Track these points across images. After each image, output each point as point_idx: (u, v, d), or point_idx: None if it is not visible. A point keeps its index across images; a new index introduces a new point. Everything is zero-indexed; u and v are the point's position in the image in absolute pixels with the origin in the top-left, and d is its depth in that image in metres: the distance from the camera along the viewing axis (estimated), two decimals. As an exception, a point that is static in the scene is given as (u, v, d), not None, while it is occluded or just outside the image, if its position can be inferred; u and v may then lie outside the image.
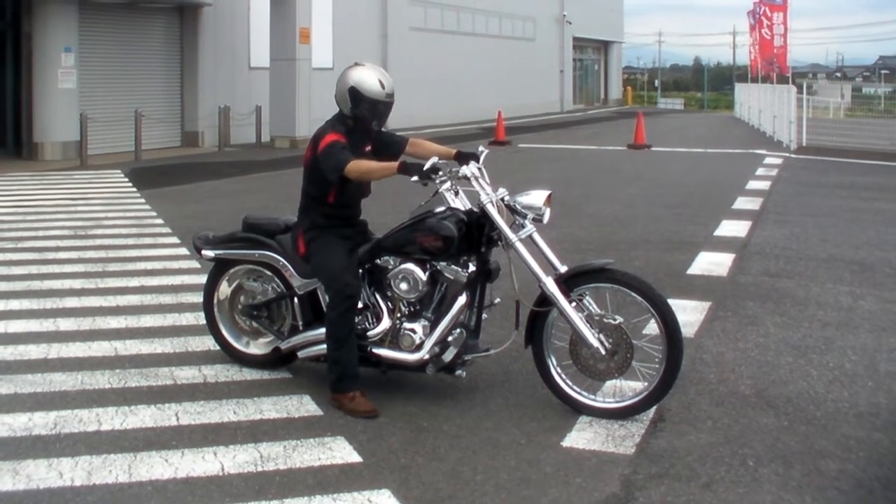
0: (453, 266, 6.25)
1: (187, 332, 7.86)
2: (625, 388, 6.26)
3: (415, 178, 6.08)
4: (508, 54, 45.93)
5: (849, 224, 14.20)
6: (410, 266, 6.28)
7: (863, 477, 5.31)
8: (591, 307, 6.14)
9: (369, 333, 6.41)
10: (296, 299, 6.71)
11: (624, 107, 63.94)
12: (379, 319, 6.43)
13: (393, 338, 6.37)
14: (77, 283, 9.63)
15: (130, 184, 18.29)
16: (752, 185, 19.06)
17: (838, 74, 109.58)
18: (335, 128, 6.47)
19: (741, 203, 16.29)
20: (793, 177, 20.75)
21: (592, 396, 6.20)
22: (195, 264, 10.50)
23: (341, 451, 5.51)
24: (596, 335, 6.02)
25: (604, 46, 66.78)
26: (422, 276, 6.26)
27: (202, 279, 9.69)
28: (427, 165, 6.12)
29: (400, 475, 5.21)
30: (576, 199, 16.28)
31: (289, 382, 6.72)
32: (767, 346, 7.69)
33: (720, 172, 21.68)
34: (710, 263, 10.91)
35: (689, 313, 8.46)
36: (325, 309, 6.44)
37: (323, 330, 6.36)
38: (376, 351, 6.39)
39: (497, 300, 6.66)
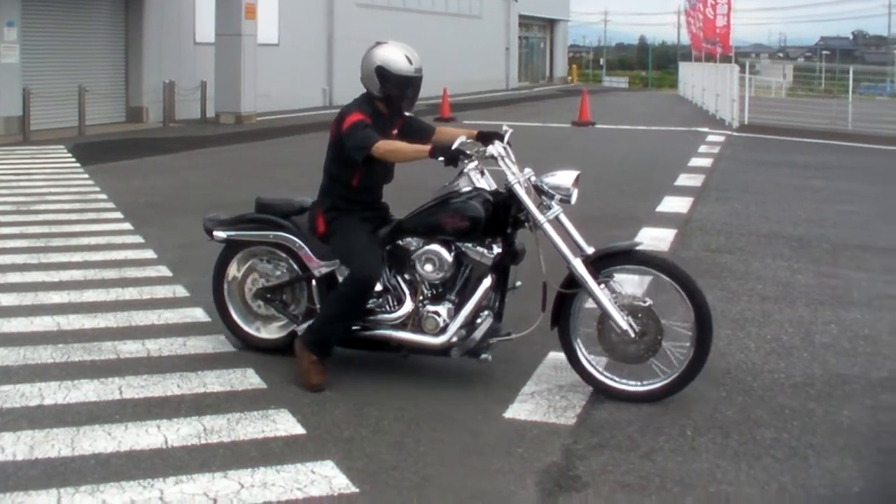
0: (479, 248, 6.14)
1: (131, 307, 7.84)
2: (653, 371, 6.09)
3: (441, 158, 5.98)
4: (454, 31, 45.89)
5: (789, 201, 14.41)
6: (436, 247, 6.18)
7: (797, 445, 5.43)
8: (619, 289, 6.07)
9: (390, 316, 6.29)
10: (313, 282, 6.57)
11: (569, 85, 64.08)
12: (400, 302, 6.30)
13: (415, 321, 6.26)
14: (19, 259, 9.55)
15: (74, 159, 18.13)
16: (695, 162, 19.23)
17: (781, 55, 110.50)
18: (361, 108, 6.32)
19: (683, 180, 16.44)
20: (735, 154, 20.96)
21: (620, 379, 6.10)
22: (139, 239, 10.49)
23: (285, 424, 5.54)
24: (625, 317, 5.94)
25: (550, 24, 66.87)
26: (448, 257, 6.15)
27: (146, 254, 9.72)
28: (455, 145, 6.03)
29: (344, 447, 5.25)
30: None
31: (233, 356, 6.73)
32: (707, 320, 7.79)
33: (663, 150, 21.86)
34: (653, 239, 11.01)
35: (631, 288, 8.53)
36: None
37: None
38: (397, 334, 6.27)
39: (518, 283, 6.55)
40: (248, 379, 6.28)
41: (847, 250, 10.84)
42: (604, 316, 5.99)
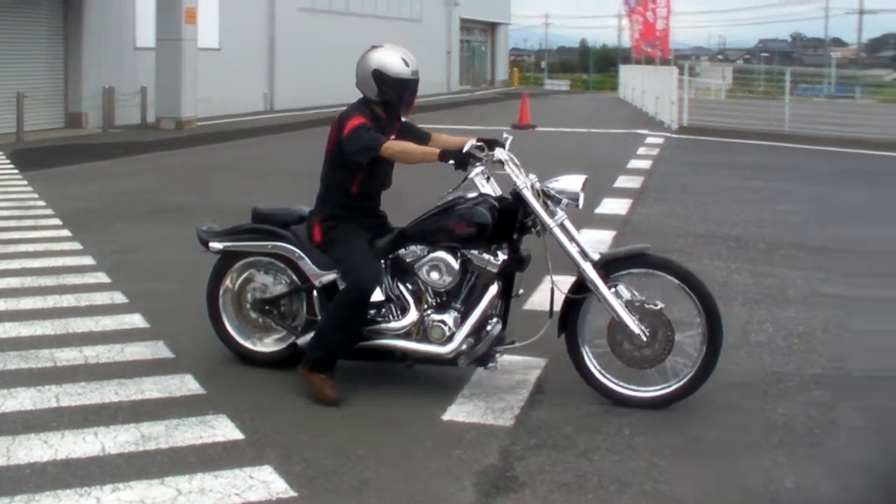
0: (485, 254, 6.05)
1: (68, 314, 7.78)
2: (663, 375, 6.10)
3: (451, 161, 5.94)
4: (396, 35, 45.64)
5: (727, 202, 14.58)
6: (442, 254, 6.08)
7: (732, 443, 5.53)
8: (630, 293, 6.02)
9: (394, 326, 6.19)
10: (315, 292, 6.41)
11: (510, 88, 64.23)
12: (404, 312, 6.20)
13: (420, 330, 6.16)
14: (-46, 267, 9.45)
15: (12, 165, 17.92)
16: (634, 164, 19.40)
17: (720, 57, 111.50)
18: (361, 111, 6.25)
19: (622, 182, 16.57)
20: (673, 156, 21.16)
21: (630, 386, 6.09)
22: (77, 245, 10.41)
23: (223, 429, 5.53)
24: (636, 322, 5.95)
25: (491, 28, 67.07)
26: (454, 264, 6.05)
27: (84, 260, 9.64)
28: (466, 148, 5.99)
29: (282, 452, 5.25)
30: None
31: (171, 363, 6.71)
32: (645, 321, 7.86)
33: (602, 152, 22.01)
34: (592, 241, 11.00)
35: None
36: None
37: None
38: (403, 344, 6.17)
39: (520, 291, 6.47)
40: (186, 385, 6.26)
41: (782, 249, 10.99)
42: (614, 321, 5.98)
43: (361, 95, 6.40)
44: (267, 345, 6.71)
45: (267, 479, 4.90)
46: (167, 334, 7.20)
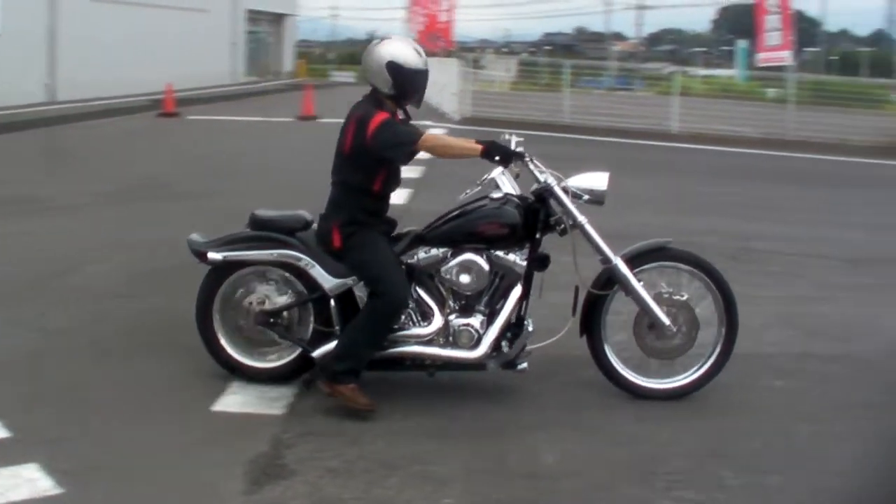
0: (510, 255, 6.02)
1: None
2: (682, 366, 6.27)
3: (497, 158, 5.89)
4: (179, 25, 45.00)
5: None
6: (472, 256, 5.96)
7: (501, 422, 5.78)
8: (657, 286, 6.12)
9: (417, 332, 6.00)
10: (332, 301, 6.08)
11: (297, 79, 63.90)
12: (426, 317, 6.03)
13: (445, 336, 6.03)
14: None
15: None
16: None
17: (506, 50, 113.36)
18: (380, 106, 6.03)
19: (403, 172, 16.64)
20: (456, 146, 21.45)
21: (651, 379, 6.24)
22: None
23: (-13, 428, 5.41)
24: (664, 313, 6.05)
25: (278, 19, 66.61)
26: (485, 266, 5.95)
27: None
28: (514, 146, 5.92)
29: (49, 448, 5.18)
30: (250, 171, 16.32)
31: (-67, 362, 6.50)
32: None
33: (388, 143, 22.14)
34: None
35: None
36: (363, 307, 5.97)
37: None
38: (428, 351, 6.00)
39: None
40: (-50, 384, 6.09)
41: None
42: (640, 313, 6.10)
43: (371, 88, 6.21)
44: (272, 360, 6.31)
45: (33, 477, 4.84)
46: (-71, 333, 6.99)
